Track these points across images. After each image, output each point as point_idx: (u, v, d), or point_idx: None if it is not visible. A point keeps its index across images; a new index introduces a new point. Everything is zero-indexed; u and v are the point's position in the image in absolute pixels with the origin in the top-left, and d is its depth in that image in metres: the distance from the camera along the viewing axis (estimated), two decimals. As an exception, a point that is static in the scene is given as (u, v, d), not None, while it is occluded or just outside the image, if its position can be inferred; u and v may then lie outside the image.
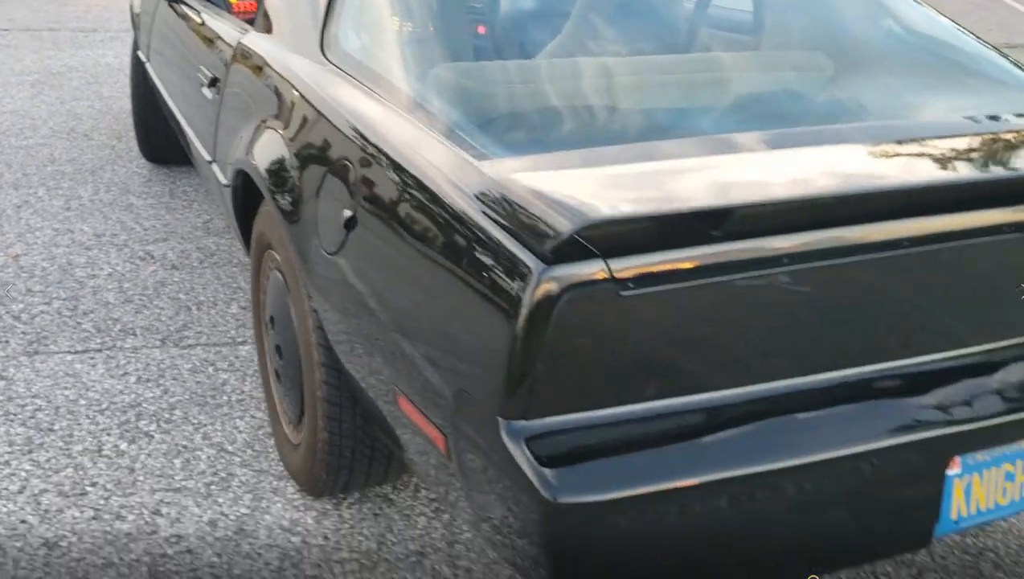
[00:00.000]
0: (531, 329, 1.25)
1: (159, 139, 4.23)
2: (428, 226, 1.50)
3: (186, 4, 3.20)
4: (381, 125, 1.71)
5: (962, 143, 1.69)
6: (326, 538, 2.11)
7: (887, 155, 1.65)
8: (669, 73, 2.10)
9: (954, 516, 1.58)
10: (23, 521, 2.12)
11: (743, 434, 1.36)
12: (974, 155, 1.67)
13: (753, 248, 1.35)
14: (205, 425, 2.49)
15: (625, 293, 1.27)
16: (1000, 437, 1.53)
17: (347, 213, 1.69)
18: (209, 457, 2.37)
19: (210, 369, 2.75)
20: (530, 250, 1.28)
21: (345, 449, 1.97)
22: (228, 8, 3.19)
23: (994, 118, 1.90)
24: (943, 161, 1.61)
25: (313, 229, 1.82)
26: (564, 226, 1.24)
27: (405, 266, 1.56)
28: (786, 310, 1.41)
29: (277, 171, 2.01)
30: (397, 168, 1.60)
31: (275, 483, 2.28)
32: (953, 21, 2.43)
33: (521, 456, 1.27)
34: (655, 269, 1.30)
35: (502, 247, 1.32)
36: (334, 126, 1.83)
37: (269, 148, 2.08)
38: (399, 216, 1.59)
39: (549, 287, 1.24)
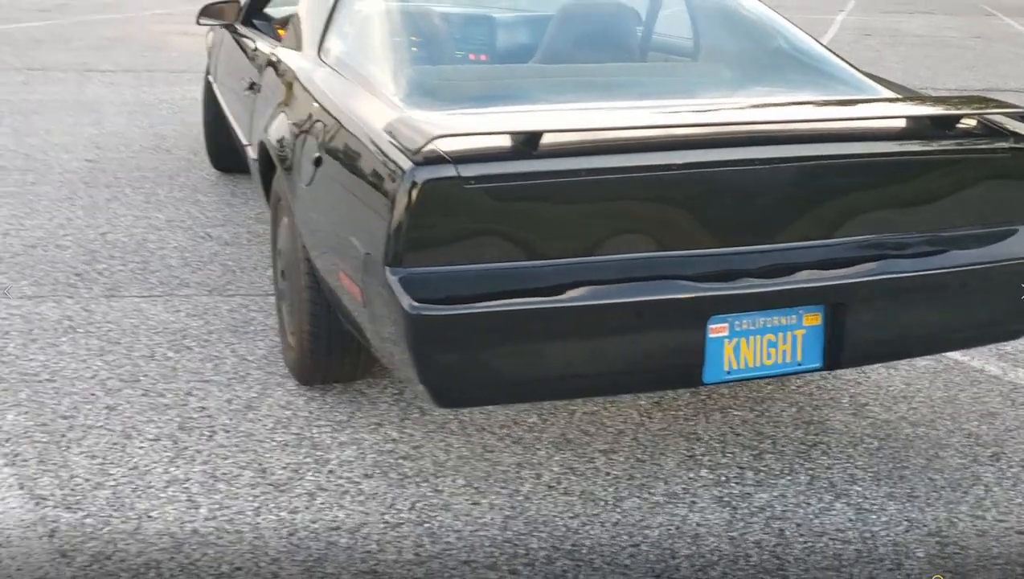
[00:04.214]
0: (406, 206, 1.95)
1: (225, 150, 5.06)
2: (357, 149, 2.24)
3: (243, 35, 4.04)
4: (342, 95, 2.46)
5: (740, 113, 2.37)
6: (311, 413, 2.82)
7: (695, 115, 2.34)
8: (577, 75, 2.82)
9: (726, 368, 2.23)
10: (93, 394, 2.89)
11: (547, 287, 2.03)
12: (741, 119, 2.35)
13: (566, 164, 2.04)
14: (234, 344, 3.24)
15: (468, 187, 1.97)
16: (745, 305, 2.16)
17: (316, 155, 2.44)
18: (233, 363, 3.11)
19: (244, 310, 3.52)
20: (407, 157, 1.99)
21: (322, 339, 2.68)
22: (276, 36, 4.02)
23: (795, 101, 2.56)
24: (713, 117, 2.29)
25: (298, 172, 2.57)
26: (423, 139, 1.94)
27: (344, 181, 2.30)
28: (589, 208, 2.09)
29: (280, 139, 2.77)
30: (345, 119, 2.34)
31: (280, 380, 3.00)
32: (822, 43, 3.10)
33: (396, 286, 1.97)
34: (490, 172, 1.99)
35: (391, 156, 2.03)
36: (314, 99, 2.59)
37: (278, 124, 2.85)
38: (343, 149, 2.33)
39: (416, 180, 1.95)
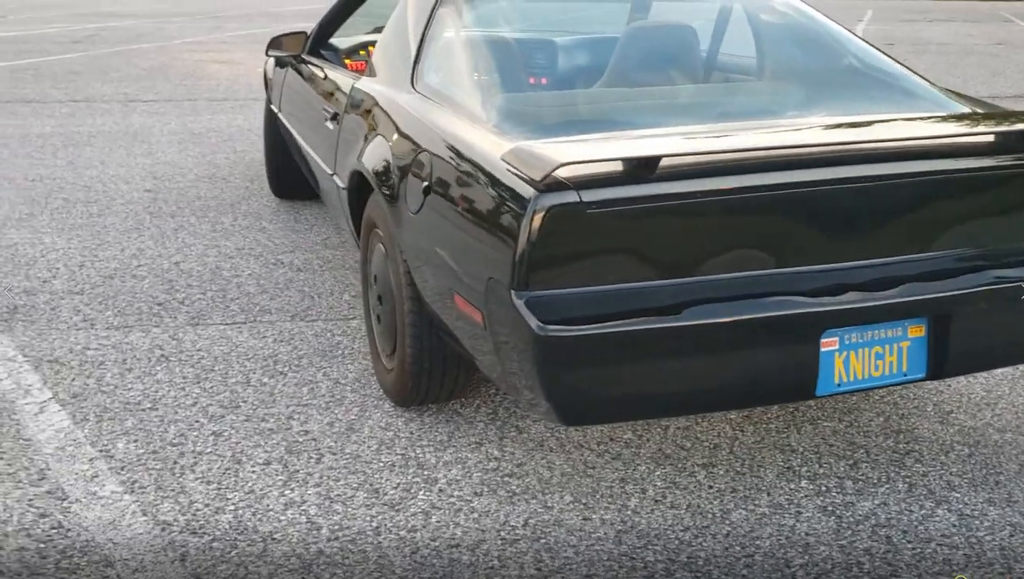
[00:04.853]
0: (531, 233, 2.03)
1: (286, 178, 5.16)
2: (472, 178, 2.31)
3: (311, 65, 4.14)
4: (446, 125, 2.54)
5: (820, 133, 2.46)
6: (412, 433, 2.89)
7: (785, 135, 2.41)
8: (653, 97, 2.90)
9: (837, 381, 2.28)
10: (197, 421, 2.97)
11: (667, 306, 2.10)
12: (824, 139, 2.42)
13: (682, 186, 2.11)
14: (325, 368, 3.32)
15: (590, 212, 2.04)
16: (854, 319, 2.22)
17: (425, 184, 2.52)
18: (328, 386, 3.19)
19: (328, 334, 3.60)
20: (530, 185, 2.06)
21: (424, 361, 2.75)
22: (343, 65, 4.12)
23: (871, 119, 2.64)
24: (803, 138, 2.38)
25: (404, 201, 2.65)
26: (546, 167, 2.01)
27: (459, 209, 2.37)
28: (705, 228, 2.16)
29: (380, 167, 2.86)
30: (454, 149, 2.42)
31: (376, 402, 3.08)
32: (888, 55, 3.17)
33: (523, 309, 2.04)
34: (610, 196, 2.06)
35: (512, 185, 2.11)
36: (417, 130, 2.67)
37: (375, 153, 2.93)
38: (456, 177, 2.41)
39: (540, 207, 2.02)
